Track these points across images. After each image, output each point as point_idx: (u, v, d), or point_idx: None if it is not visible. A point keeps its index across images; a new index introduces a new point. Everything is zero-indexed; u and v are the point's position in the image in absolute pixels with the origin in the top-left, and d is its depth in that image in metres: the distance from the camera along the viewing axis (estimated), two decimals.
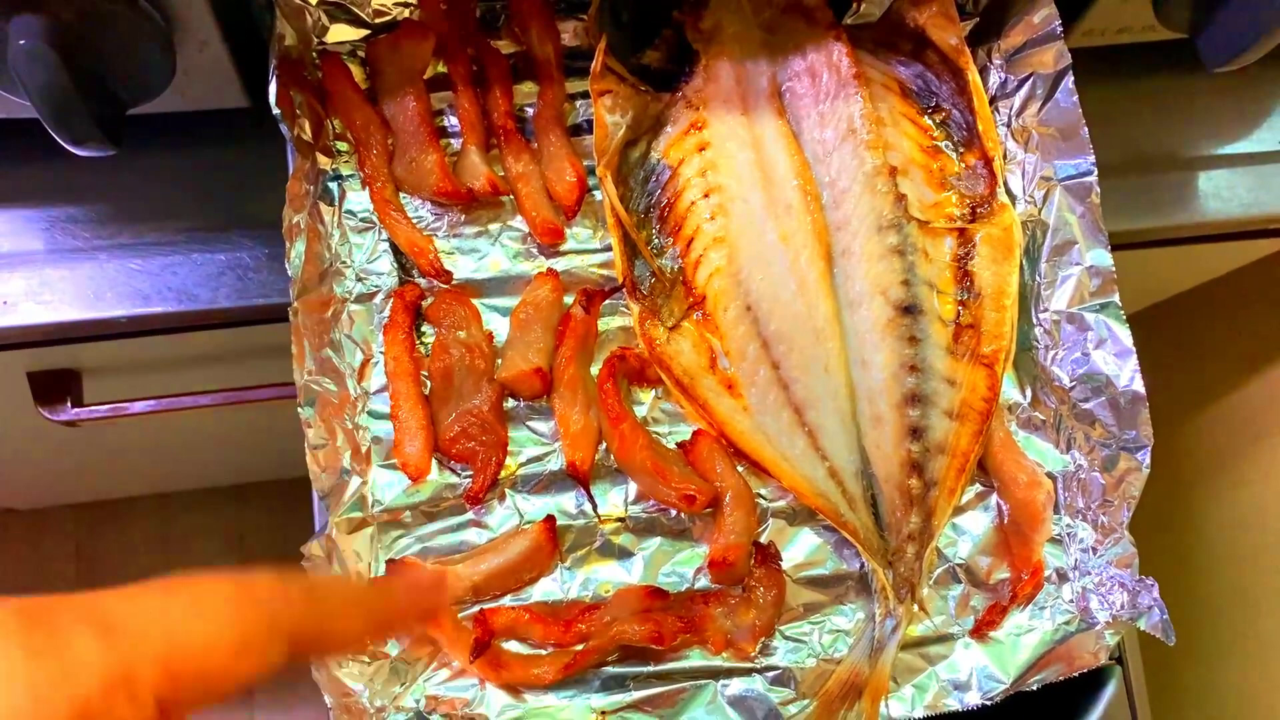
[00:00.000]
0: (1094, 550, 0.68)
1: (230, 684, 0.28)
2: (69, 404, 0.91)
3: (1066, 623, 0.68)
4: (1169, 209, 0.84)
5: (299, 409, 0.66)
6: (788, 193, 0.71)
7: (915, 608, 0.67)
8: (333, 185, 0.71)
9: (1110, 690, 0.74)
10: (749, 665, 0.66)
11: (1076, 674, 0.68)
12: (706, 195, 0.71)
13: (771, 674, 0.66)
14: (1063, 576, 0.69)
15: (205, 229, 0.76)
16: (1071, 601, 0.69)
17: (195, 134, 0.75)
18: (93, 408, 0.95)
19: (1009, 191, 0.72)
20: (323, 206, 0.70)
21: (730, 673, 0.66)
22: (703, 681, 0.66)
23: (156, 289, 0.76)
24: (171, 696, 0.26)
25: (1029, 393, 0.72)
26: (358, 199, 0.71)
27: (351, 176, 0.72)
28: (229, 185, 0.78)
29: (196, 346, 0.88)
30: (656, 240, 0.72)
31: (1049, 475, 0.69)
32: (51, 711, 0.24)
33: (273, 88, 0.67)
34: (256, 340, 0.84)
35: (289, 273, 0.67)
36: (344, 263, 0.70)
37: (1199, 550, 1.24)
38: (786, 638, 0.67)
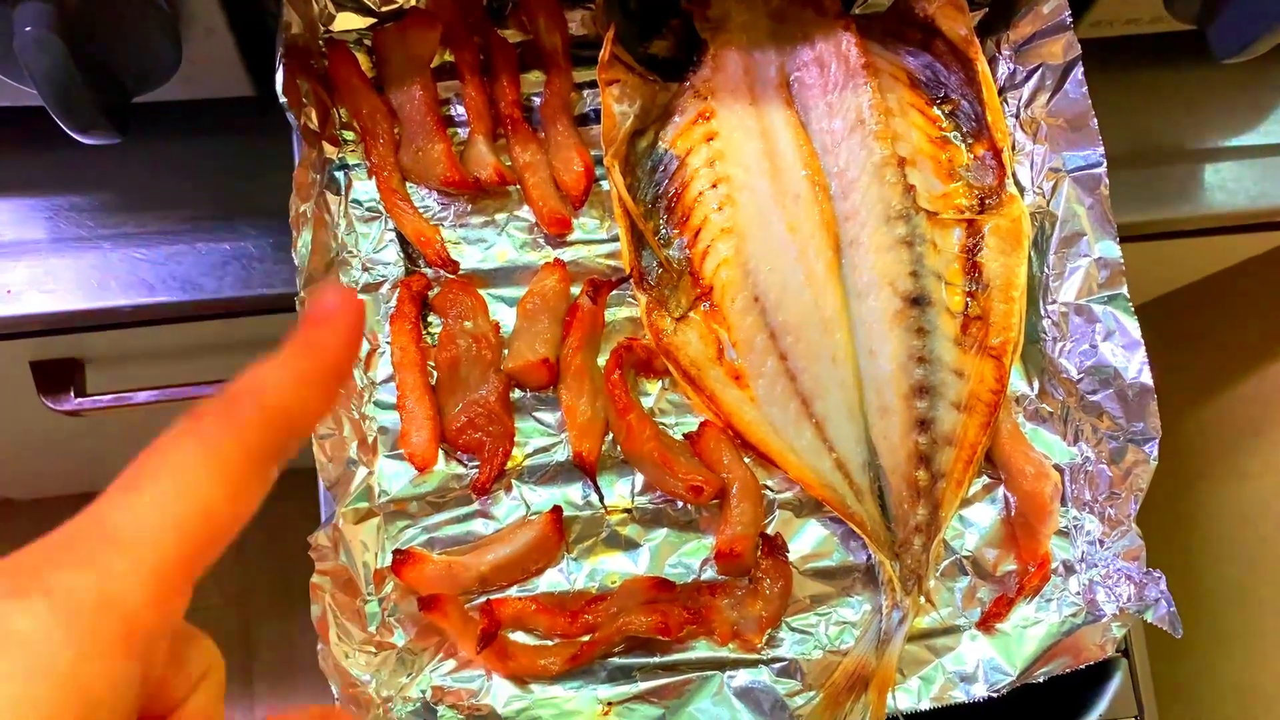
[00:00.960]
0: (1101, 543, 0.68)
1: (235, 530, 0.28)
2: (72, 394, 0.91)
3: (1073, 615, 0.68)
4: (1175, 201, 0.83)
5: None
6: (796, 183, 0.70)
7: (922, 600, 0.67)
8: (339, 174, 0.71)
9: (1116, 683, 0.74)
10: (755, 657, 0.66)
11: (1083, 666, 0.68)
12: (714, 185, 0.70)
13: (778, 665, 0.66)
14: (1069, 569, 0.69)
15: (210, 218, 0.75)
16: (1078, 594, 0.69)
17: (200, 123, 0.74)
18: (96, 398, 0.95)
19: (1017, 183, 0.72)
20: (329, 196, 0.70)
21: (736, 664, 0.66)
22: (709, 673, 0.66)
23: (161, 278, 0.76)
24: (188, 578, 0.27)
25: (1036, 385, 0.72)
26: (364, 188, 0.71)
27: (358, 166, 0.71)
28: (234, 174, 0.78)
29: (201, 336, 0.88)
30: (664, 230, 0.71)
31: (1056, 467, 0.69)
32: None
33: (279, 76, 0.67)
34: (261, 331, 0.83)
35: (296, 262, 0.67)
36: (350, 252, 0.70)
37: (1202, 543, 1.24)
38: (793, 629, 0.67)
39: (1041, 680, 0.68)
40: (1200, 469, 1.24)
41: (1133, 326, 0.67)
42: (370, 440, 0.68)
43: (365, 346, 0.70)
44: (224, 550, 0.29)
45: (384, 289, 0.70)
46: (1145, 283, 1.12)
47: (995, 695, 0.67)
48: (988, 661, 0.67)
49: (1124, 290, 0.68)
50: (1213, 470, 1.22)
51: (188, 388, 0.95)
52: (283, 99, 0.67)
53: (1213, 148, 0.86)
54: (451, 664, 0.66)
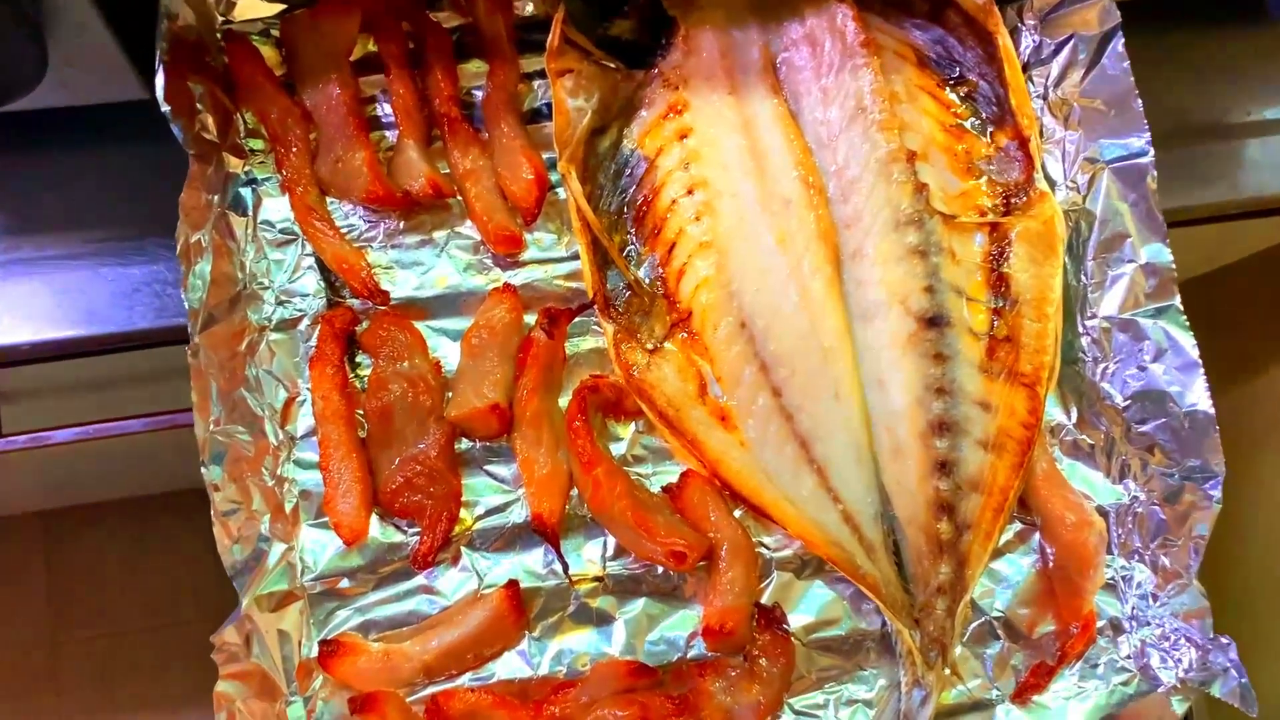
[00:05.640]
0: (1154, 597, 0.63)
1: None
2: None
3: (1124, 684, 0.63)
4: (1217, 183, 0.78)
5: (202, 469, 0.60)
6: (786, 185, 0.66)
7: (947, 671, 0.62)
8: (245, 192, 0.66)
9: None
10: None
11: None
12: (690, 191, 0.66)
13: None
14: (1118, 628, 0.64)
15: (116, 239, 0.71)
16: (1129, 658, 0.63)
17: (100, 132, 0.70)
18: (11, 438, 0.89)
19: (1048, 177, 0.67)
20: (233, 218, 0.65)
21: None
22: None
23: (63, 310, 0.70)
24: None
25: (1075, 413, 0.67)
26: (276, 207, 0.66)
27: (268, 180, 0.66)
28: (142, 189, 0.71)
29: (120, 368, 0.82)
30: (632, 246, 0.67)
31: (1099, 510, 0.65)
32: None
33: (160, 78, 0.60)
34: (183, 361, 0.77)
35: (186, 304, 0.61)
36: (261, 284, 0.65)
37: (1240, 541, 1.17)
38: (797, 713, 0.62)
39: None
40: (1236, 457, 1.17)
41: (1188, 344, 0.63)
42: (288, 508, 0.63)
43: (282, 395, 0.64)
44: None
45: (302, 325, 0.65)
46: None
47: None
48: None
49: (1176, 301, 0.63)
50: (1250, 459, 1.14)
51: (112, 423, 0.89)
52: (165, 106, 0.60)
53: (1259, 121, 0.80)
54: None
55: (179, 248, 0.61)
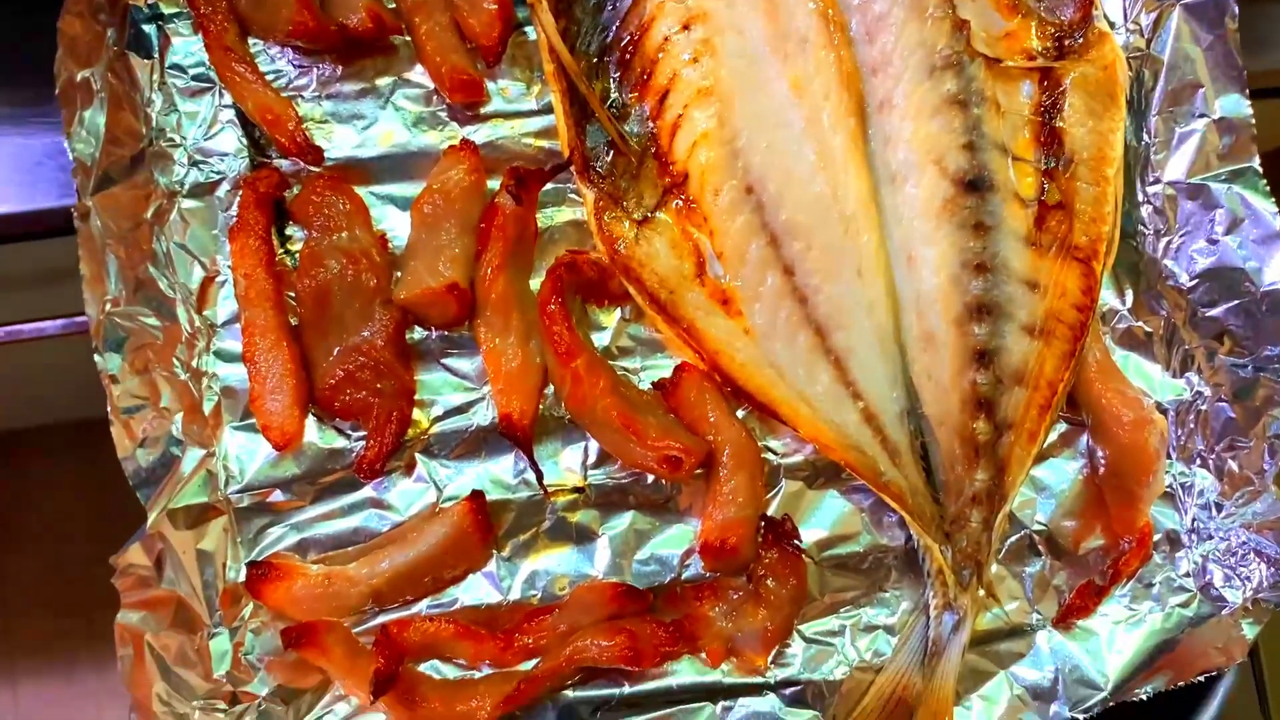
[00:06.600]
0: (1218, 507, 0.60)
1: None
2: None
3: (1183, 605, 0.60)
4: None
5: (96, 357, 0.54)
6: (801, 20, 0.62)
7: (981, 593, 0.58)
8: (149, 29, 0.61)
9: (1229, 681, 0.62)
10: (759, 680, 0.59)
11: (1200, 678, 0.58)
12: (686, 27, 0.62)
13: (790, 690, 0.58)
14: (1175, 543, 0.62)
15: (14, 104, 0.67)
16: (1188, 576, 0.60)
17: None
18: None
19: (1106, 16, 0.63)
20: (134, 59, 0.60)
21: (733, 691, 0.59)
22: (696, 705, 0.58)
23: None
24: None
25: (1130, 295, 0.63)
26: (188, 49, 0.62)
27: (177, 16, 0.62)
28: (44, 44, 0.63)
29: (23, 261, 0.76)
30: (617, 95, 0.63)
31: (1158, 407, 0.61)
32: None
33: None
34: None
35: (71, 155, 0.56)
36: (170, 141, 0.60)
37: None
38: (808, 640, 0.60)
39: (1144, 699, 0.58)
40: None
41: (1268, 211, 0.60)
42: (208, 407, 0.58)
43: (198, 273, 0.59)
44: None
45: (221, 191, 0.61)
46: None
47: (1083, 718, 0.58)
48: (1070, 671, 0.59)
49: (1255, 163, 0.60)
50: None
51: (21, 325, 0.83)
52: None
53: None
54: (344, 710, 0.56)
55: (59, 85, 0.54)
